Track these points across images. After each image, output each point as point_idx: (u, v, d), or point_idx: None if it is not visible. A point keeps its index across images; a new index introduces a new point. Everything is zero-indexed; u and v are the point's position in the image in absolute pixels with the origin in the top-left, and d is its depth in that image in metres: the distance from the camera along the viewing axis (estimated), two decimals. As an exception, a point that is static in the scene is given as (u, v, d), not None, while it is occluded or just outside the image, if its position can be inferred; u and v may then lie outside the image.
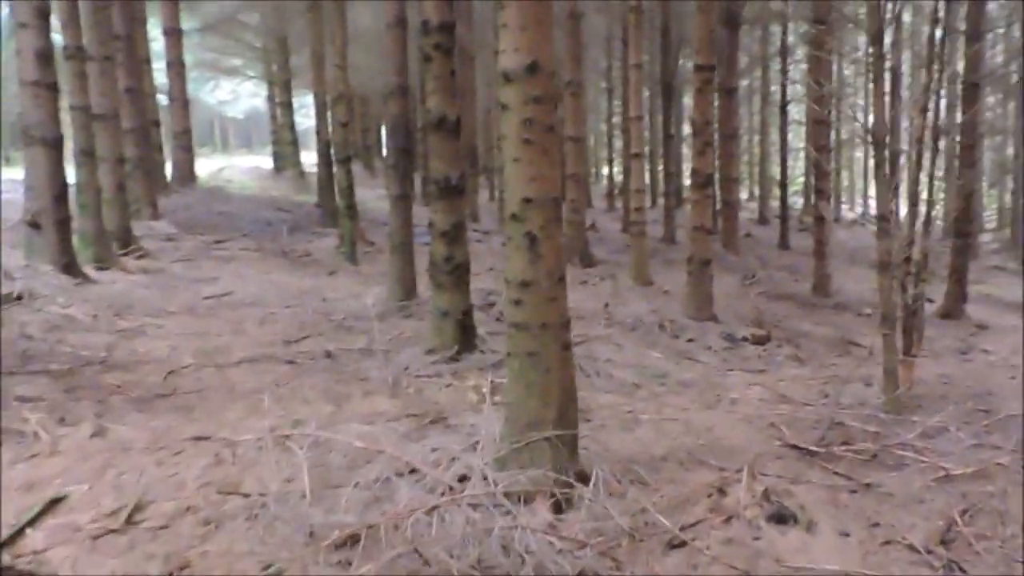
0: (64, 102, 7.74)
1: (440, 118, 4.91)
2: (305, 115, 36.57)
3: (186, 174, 17.04)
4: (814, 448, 3.47)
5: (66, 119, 8.29)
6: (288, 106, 25.52)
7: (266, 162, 31.57)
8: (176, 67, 16.74)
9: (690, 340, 6.69)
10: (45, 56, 6.65)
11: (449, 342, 5.03)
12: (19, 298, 5.99)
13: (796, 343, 6.61)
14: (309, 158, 31.70)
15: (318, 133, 15.03)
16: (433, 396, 4.37)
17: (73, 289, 6.53)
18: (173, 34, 16.60)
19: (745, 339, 6.42)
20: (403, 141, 6.77)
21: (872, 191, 32.22)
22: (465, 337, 5.10)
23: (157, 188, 13.52)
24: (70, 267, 6.83)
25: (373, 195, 20.18)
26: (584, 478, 3.01)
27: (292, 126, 25.81)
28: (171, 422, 3.73)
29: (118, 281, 7.55)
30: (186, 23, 18.72)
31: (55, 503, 2.80)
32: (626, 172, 17.04)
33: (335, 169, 12.82)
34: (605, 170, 27.78)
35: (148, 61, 15.47)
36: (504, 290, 3.15)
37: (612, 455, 3.36)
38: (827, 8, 9.65)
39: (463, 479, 2.97)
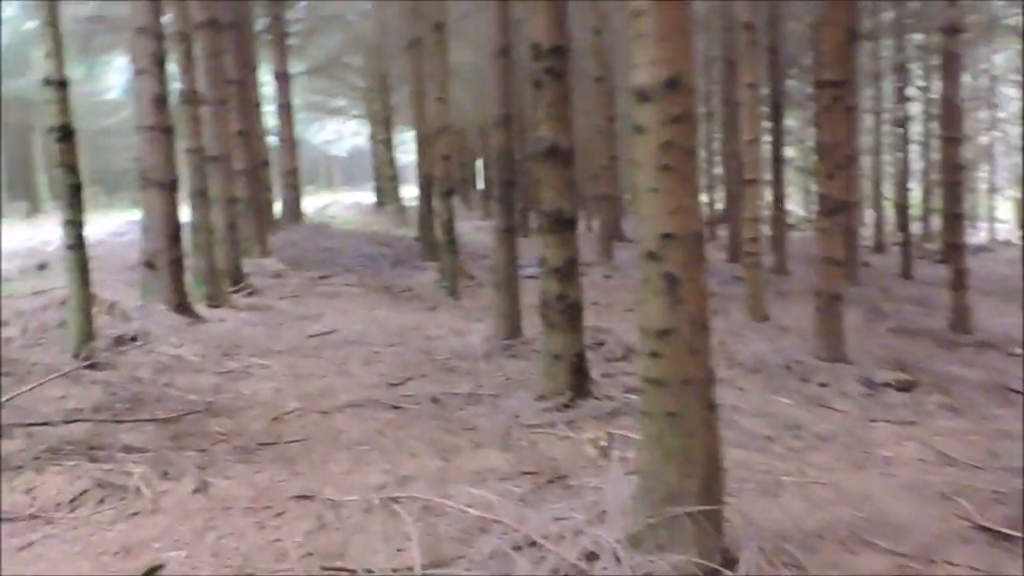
0: (179, 145, 7.95)
1: (552, 147, 4.63)
2: (403, 151, 37.45)
3: (293, 212, 17.49)
4: (1010, 532, 2.92)
5: (180, 161, 8.52)
6: (388, 143, 26.08)
7: (368, 197, 32.38)
8: (285, 109, 17.27)
9: (822, 384, 6.11)
10: (161, 101, 6.79)
11: (561, 387, 4.69)
12: (134, 339, 6.04)
13: (946, 389, 5.93)
14: (409, 192, 32.34)
15: (419, 167, 15.13)
16: (548, 450, 4.03)
17: (185, 329, 6.56)
18: (282, 78, 17.17)
19: (887, 384, 5.80)
20: (508, 173, 6.54)
21: (1003, 213, 30.15)
22: (579, 382, 4.75)
23: (266, 226, 13.84)
24: (183, 306, 6.90)
25: (470, 227, 20.23)
26: (730, 561, 2.60)
27: (392, 162, 26.32)
28: (274, 475, 3.53)
29: (228, 319, 7.59)
30: (294, 67, 19.37)
31: (153, 573, 2.61)
32: (731, 198, 16.40)
33: (435, 202, 12.80)
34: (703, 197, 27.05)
35: (259, 104, 16.00)
36: (639, 339, 2.79)
37: (758, 530, 2.93)
38: (959, 14, 8.92)
39: (591, 557, 2.61)
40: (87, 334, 5.21)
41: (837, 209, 6.37)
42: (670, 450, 2.73)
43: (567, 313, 4.73)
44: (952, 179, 9.87)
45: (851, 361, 6.91)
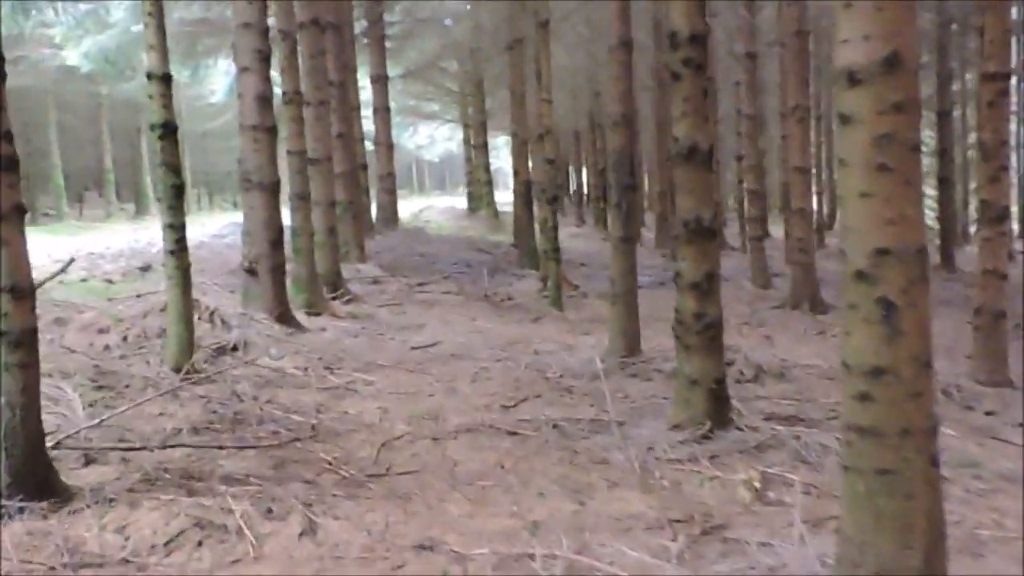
0: (280, 147, 7.77)
1: (691, 147, 4.09)
2: (495, 156, 37.31)
3: (389, 216, 17.41)
4: None
5: (281, 163, 8.37)
6: (483, 147, 25.88)
7: (460, 202, 32.33)
8: (382, 112, 17.20)
9: (989, 413, 5.34)
10: (265, 100, 6.58)
11: (699, 416, 4.13)
12: (235, 349, 5.81)
13: None
14: (502, 197, 32.14)
15: (515, 173, 14.74)
16: (694, 491, 3.48)
17: (286, 339, 6.31)
18: (380, 80, 17.09)
19: (1072, 416, 4.98)
20: (628, 178, 6.02)
21: None
22: (719, 410, 4.18)
23: (364, 230, 13.72)
24: (284, 315, 6.66)
25: (565, 234, 19.66)
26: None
27: (487, 167, 26.10)
28: (388, 515, 3.11)
29: (328, 328, 7.33)
30: (391, 70, 19.32)
31: (256, 643, 2.21)
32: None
33: (535, 209, 12.37)
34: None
35: (358, 107, 15.97)
36: (843, 379, 2.23)
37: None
38: None
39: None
40: (188, 345, 4.97)
41: (1001, 217, 5.57)
42: (883, 514, 2.17)
43: (706, 334, 4.17)
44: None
45: (1017, 386, 6.09)
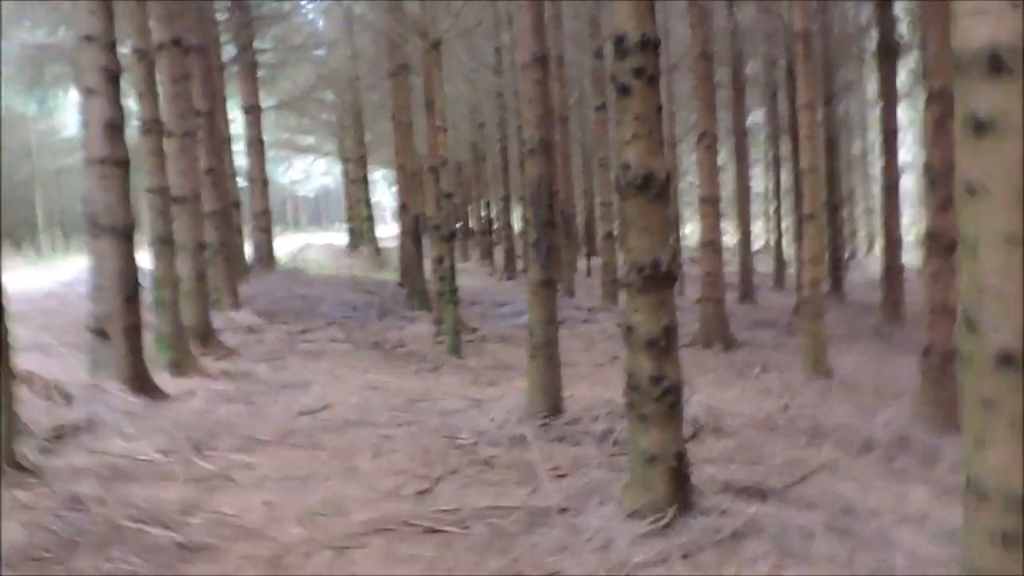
0: (137, 183, 6.69)
1: (645, 177, 3.49)
2: (373, 190, 36.29)
3: (266, 256, 16.18)
4: None
5: (139, 202, 7.29)
6: (364, 181, 24.93)
7: (338, 239, 31.06)
8: (256, 145, 16.05)
9: (956, 468, 4.98)
10: (115, 128, 5.54)
11: (660, 501, 3.48)
12: (78, 431, 4.72)
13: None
14: (384, 232, 31.06)
15: (403, 207, 13.97)
16: (675, 609, 2.81)
17: (144, 413, 5.25)
18: (252, 111, 15.96)
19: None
20: (546, 212, 5.40)
21: None
22: (681, 491, 3.55)
23: (237, 274, 12.52)
24: (142, 383, 5.58)
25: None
26: None
27: (368, 201, 25.13)
28: None
29: (198, 393, 6.27)
30: (264, 101, 18.17)
31: None
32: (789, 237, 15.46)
33: (427, 246, 11.64)
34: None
35: (229, 140, 14.77)
36: (969, 508, 1.62)
37: None
38: None
39: None
40: (8, 434, 3.88)
41: (950, 248, 5.30)
42: None
43: (665, 400, 3.54)
44: None
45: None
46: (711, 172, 9.28)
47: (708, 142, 9.21)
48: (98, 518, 3.44)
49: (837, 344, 9.12)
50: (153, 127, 7.00)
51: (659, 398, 3.58)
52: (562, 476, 4.42)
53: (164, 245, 7.01)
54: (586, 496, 3.88)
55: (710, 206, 9.29)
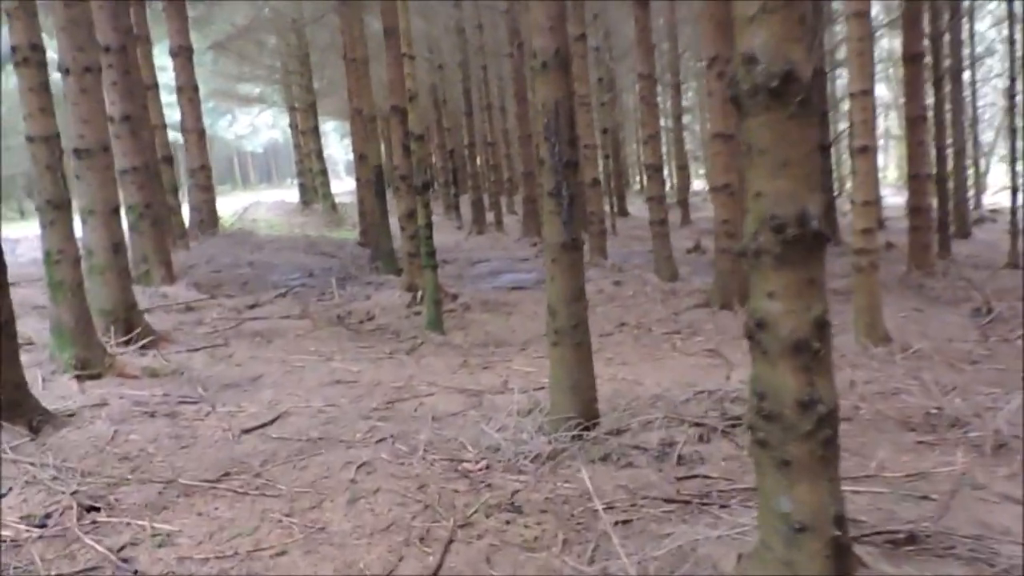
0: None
1: (784, 76, 2.09)
2: (326, 142, 34.18)
3: (207, 218, 14.41)
4: None
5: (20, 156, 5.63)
6: (314, 132, 23.06)
7: (291, 195, 29.10)
8: (188, 92, 14.13)
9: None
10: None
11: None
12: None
13: None
14: (341, 187, 29.21)
15: (361, 157, 12.32)
16: None
17: (19, 450, 3.74)
18: (183, 54, 14.02)
19: None
20: (568, 149, 3.94)
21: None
22: (843, 572, 2.21)
23: (171, 240, 10.84)
24: (15, 406, 4.04)
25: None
26: None
27: (320, 154, 23.27)
28: None
29: (110, 403, 4.79)
30: (197, 43, 16.15)
31: None
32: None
33: (395, 201, 10.11)
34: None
35: (154, 86, 12.88)
36: None
37: None
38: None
39: None
40: None
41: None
42: None
43: (819, 436, 2.18)
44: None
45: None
46: (725, 107, 7.87)
47: (720, 68, 7.79)
48: None
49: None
50: (31, 56, 5.32)
51: (811, 433, 2.21)
52: (626, 523, 3.08)
53: (56, 210, 5.40)
54: (678, 563, 2.53)
55: (723, 143, 7.90)
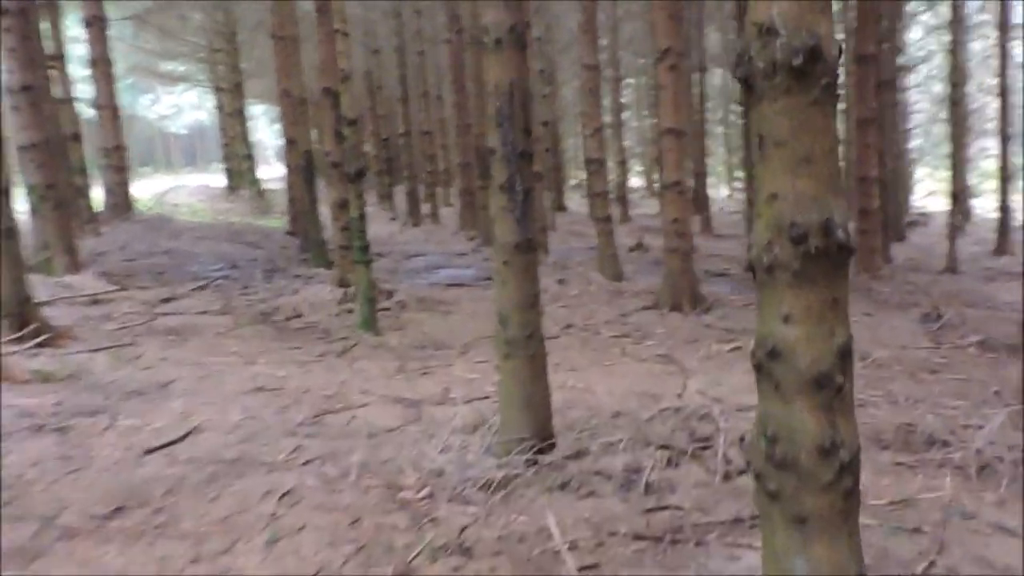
0: None
1: (809, 52, 1.69)
2: (253, 126, 32.93)
3: (120, 202, 13.43)
4: None
5: None
6: (240, 115, 22.03)
7: (216, 180, 27.86)
8: (101, 65, 13.13)
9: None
10: None
11: None
12: None
13: None
14: (268, 172, 28.12)
15: (290, 142, 11.60)
16: None
17: None
18: (95, 24, 13.01)
19: None
20: (522, 138, 3.50)
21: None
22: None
23: (77, 225, 9.97)
24: None
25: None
26: None
27: (246, 138, 22.25)
28: None
29: (-11, 415, 4.12)
30: (112, 14, 15.09)
31: None
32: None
33: (327, 191, 9.50)
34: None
35: (61, 57, 11.88)
36: None
37: None
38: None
39: None
40: None
41: None
42: None
43: (839, 487, 1.81)
44: None
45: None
46: (676, 99, 7.56)
47: (672, 61, 7.47)
48: None
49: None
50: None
51: (831, 484, 1.83)
52: (592, 567, 2.68)
53: (-71, 191, 4.68)
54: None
55: (674, 139, 7.59)
